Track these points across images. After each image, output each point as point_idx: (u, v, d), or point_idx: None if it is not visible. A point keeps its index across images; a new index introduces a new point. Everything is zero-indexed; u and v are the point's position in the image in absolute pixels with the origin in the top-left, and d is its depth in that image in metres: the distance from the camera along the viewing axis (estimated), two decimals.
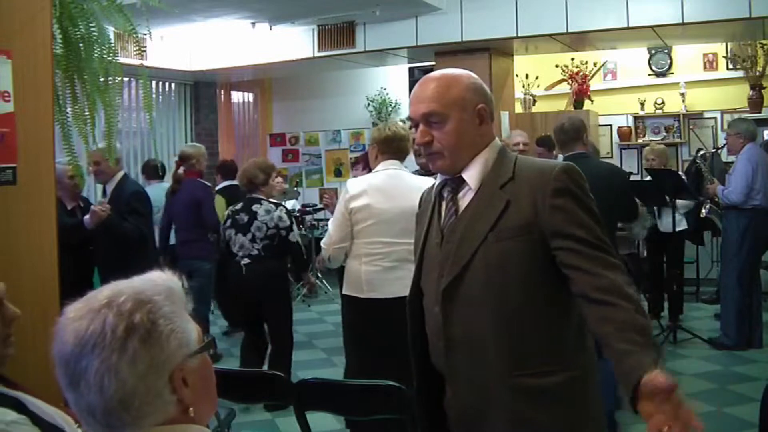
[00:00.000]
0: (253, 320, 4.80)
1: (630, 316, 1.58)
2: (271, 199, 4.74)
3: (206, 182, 6.09)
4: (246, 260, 4.61)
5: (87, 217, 4.36)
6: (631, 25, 6.46)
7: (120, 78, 2.74)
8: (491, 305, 1.70)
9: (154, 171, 6.87)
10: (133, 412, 1.06)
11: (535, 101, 8.68)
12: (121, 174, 4.65)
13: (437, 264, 1.80)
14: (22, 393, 1.50)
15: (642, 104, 8.45)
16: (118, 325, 1.05)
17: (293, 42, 7.89)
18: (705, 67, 8.24)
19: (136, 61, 2.93)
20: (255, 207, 4.64)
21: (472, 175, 1.79)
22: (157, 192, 6.04)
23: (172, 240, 5.86)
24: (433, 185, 1.95)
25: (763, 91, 7.78)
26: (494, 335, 1.69)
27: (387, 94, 9.62)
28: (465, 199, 1.80)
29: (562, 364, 1.71)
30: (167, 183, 6.33)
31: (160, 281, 1.14)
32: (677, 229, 6.00)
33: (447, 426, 1.86)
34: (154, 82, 8.81)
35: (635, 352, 1.52)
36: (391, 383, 2.59)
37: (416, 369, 1.89)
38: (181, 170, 5.79)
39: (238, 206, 4.71)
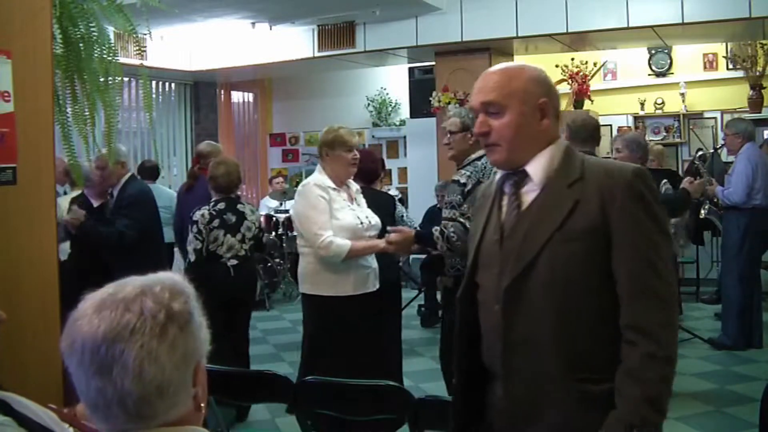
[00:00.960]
0: (233, 324, 4.58)
1: (633, 364, 1.59)
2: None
3: None
4: (233, 261, 4.46)
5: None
6: (631, 25, 6.46)
7: (120, 78, 2.74)
8: (552, 307, 1.65)
9: (149, 172, 6.83)
10: (167, 400, 1.06)
11: None
12: (126, 176, 4.58)
13: (497, 260, 1.74)
14: (9, 394, 1.49)
15: (642, 104, 8.45)
16: (160, 311, 1.05)
17: (293, 42, 7.89)
18: (705, 67, 8.24)
19: (136, 61, 2.94)
20: (240, 207, 4.55)
21: (536, 170, 1.73)
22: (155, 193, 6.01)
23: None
24: (492, 180, 1.90)
25: (763, 91, 7.78)
26: (553, 337, 1.65)
27: (387, 94, 9.62)
28: (529, 195, 1.74)
29: (613, 372, 1.65)
30: (160, 184, 6.30)
31: (177, 278, 1.15)
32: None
33: (485, 424, 1.82)
34: (154, 82, 8.81)
35: (620, 407, 1.58)
36: (391, 383, 2.59)
37: (460, 365, 1.84)
38: (196, 168, 5.72)
39: (220, 206, 4.48)
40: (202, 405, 1.12)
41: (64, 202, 4.74)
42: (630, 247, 1.62)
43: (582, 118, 4.32)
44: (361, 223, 3.64)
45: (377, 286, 3.70)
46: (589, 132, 4.18)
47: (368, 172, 4.41)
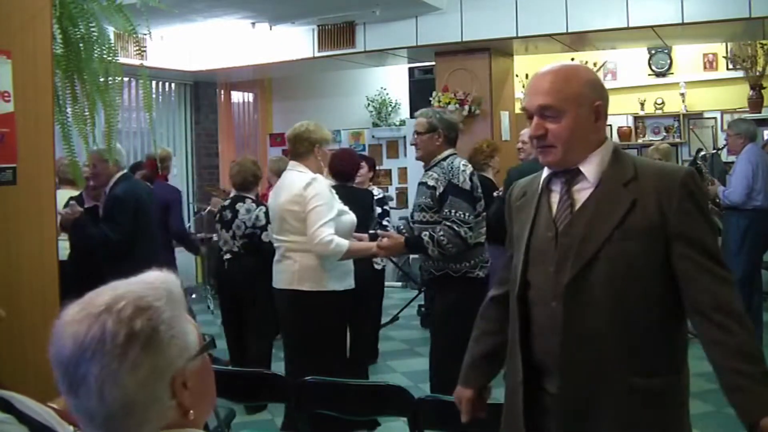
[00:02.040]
0: (234, 318, 4.84)
1: (741, 343, 1.62)
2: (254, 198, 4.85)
3: (176, 186, 6.03)
4: (228, 255, 4.77)
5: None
6: (631, 25, 6.46)
7: (120, 78, 2.74)
8: (611, 303, 1.69)
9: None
10: (135, 418, 1.05)
11: None
12: (117, 175, 4.36)
13: (552, 258, 1.76)
14: (10, 392, 1.49)
15: (642, 104, 8.45)
16: (119, 332, 1.03)
17: (293, 42, 7.89)
18: (705, 67, 8.24)
19: (136, 61, 2.94)
20: (238, 205, 4.75)
21: (590, 169, 1.76)
22: None
23: None
24: (537, 177, 1.90)
25: (763, 91, 7.78)
26: (613, 331, 1.69)
27: (387, 94, 9.61)
28: (583, 193, 1.77)
29: (669, 368, 1.74)
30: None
31: (158, 284, 1.12)
32: None
33: (538, 420, 1.82)
34: (154, 82, 8.81)
35: (747, 388, 1.60)
36: (392, 383, 2.60)
37: (517, 364, 1.83)
38: (149, 171, 5.64)
39: (227, 203, 4.88)
40: (191, 411, 1.10)
41: (60, 200, 4.72)
42: (692, 243, 1.68)
43: None
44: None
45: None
46: None
47: (345, 171, 4.74)
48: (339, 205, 3.62)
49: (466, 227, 3.44)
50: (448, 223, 3.43)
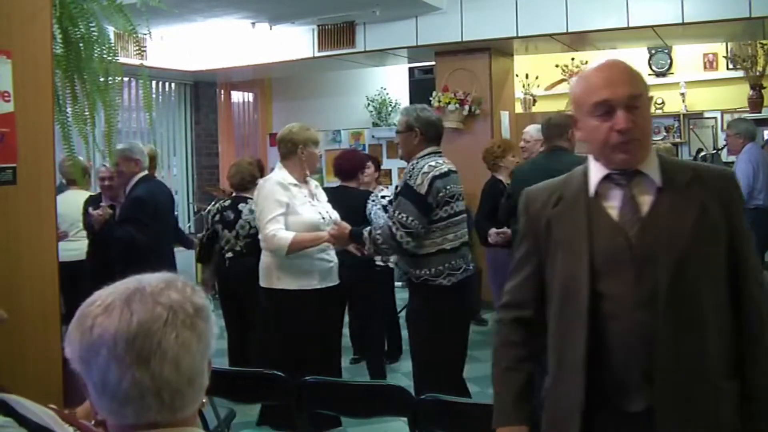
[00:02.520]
0: (235, 317, 4.92)
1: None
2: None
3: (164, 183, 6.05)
4: (230, 254, 4.84)
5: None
6: (631, 25, 6.46)
7: (120, 78, 2.75)
8: (699, 306, 1.65)
9: None
10: (195, 390, 1.09)
11: (535, 101, 8.68)
12: (139, 176, 4.41)
13: (628, 266, 1.66)
14: (7, 395, 1.49)
15: None
16: (186, 303, 1.09)
17: (293, 42, 7.89)
18: (705, 67, 8.24)
19: (136, 61, 2.94)
20: (241, 206, 4.83)
21: (651, 170, 1.69)
22: None
23: None
24: (569, 180, 1.81)
25: (763, 91, 7.77)
26: (705, 337, 1.65)
27: (387, 94, 9.61)
28: (646, 196, 1.69)
29: (737, 369, 1.70)
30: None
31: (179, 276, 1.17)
32: None
33: None
34: (154, 82, 8.81)
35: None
36: (392, 384, 2.59)
37: (582, 383, 1.67)
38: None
39: (227, 203, 4.93)
40: (204, 401, 1.14)
41: (79, 199, 4.76)
42: (746, 246, 1.71)
43: (548, 117, 4.37)
44: (323, 218, 3.75)
45: (338, 281, 3.83)
46: (553, 127, 4.23)
47: (347, 170, 4.88)
48: (299, 203, 3.68)
49: (403, 231, 3.26)
50: (389, 223, 3.33)
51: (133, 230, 4.25)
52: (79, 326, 1.07)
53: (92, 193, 4.85)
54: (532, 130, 5.25)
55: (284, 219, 3.62)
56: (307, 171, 3.84)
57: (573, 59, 8.38)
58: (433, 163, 3.37)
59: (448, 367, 3.37)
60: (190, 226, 9.11)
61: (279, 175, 3.74)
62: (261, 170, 5.95)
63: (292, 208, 3.64)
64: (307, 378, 2.64)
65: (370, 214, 4.71)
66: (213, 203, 5.14)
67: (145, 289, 1.09)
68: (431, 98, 7.55)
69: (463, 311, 3.51)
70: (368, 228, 3.47)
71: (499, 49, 7.45)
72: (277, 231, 3.57)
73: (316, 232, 3.65)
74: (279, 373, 2.67)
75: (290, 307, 3.66)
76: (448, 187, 3.35)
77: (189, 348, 1.06)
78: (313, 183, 3.95)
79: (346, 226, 3.56)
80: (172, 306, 1.07)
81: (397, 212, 3.29)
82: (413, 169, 3.39)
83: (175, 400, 1.07)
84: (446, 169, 3.40)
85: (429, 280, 3.35)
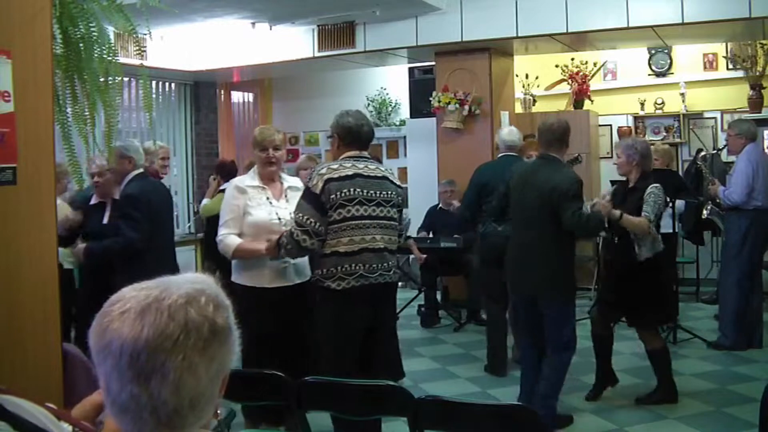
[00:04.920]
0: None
1: None
2: None
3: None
4: None
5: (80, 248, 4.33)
6: (631, 25, 6.46)
7: (120, 78, 2.74)
8: None
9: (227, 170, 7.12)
10: (197, 412, 1.06)
11: (535, 101, 8.68)
12: (132, 174, 4.39)
13: None
14: (4, 396, 1.49)
15: (642, 104, 8.45)
16: (203, 324, 1.05)
17: (293, 42, 7.89)
18: (705, 67, 8.24)
19: (136, 61, 2.94)
20: None
21: None
22: None
23: None
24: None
25: (763, 91, 7.78)
26: None
27: (387, 94, 9.61)
28: None
29: None
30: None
31: (212, 283, 1.13)
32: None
33: None
34: (154, 82, 8.81)
35: None
36: (391, 383, 2.59)
37: None
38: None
39: None
40: (218, 411, 1.13)
41: (63, 205, 4.73)
42: None
43: (550, 122, 4.28)
44: (279, 219, 3.75)
45: (296, 281, 3.80)
46: (555, 135, 4.19)
47: None
48: (254, 204, 3.75)
49: (299, 230, 3.34)
50: (293, 224, 3.43)
51: (128, 228, 4.22)
52: (99, 324, 1.06)
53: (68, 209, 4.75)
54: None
55: (240, 221, 3.74)
56: (274, 171, 3.86)
57: (573, 59, 8.39)
58: (335, 166, 3.43)
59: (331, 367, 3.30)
60: (190, 226, 9.11)
61: (240, 179, 3.94)
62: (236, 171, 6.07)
63: (246, 209, 3.75)
64: (307, 378, 2.64)
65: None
66: None
67: (165, 300, 1.05)
68: (431, 98, 7.56)
69: (346, 319, 3.41)
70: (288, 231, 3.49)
71: (499, 49, 7.45)
72: (225, 237, 3.73)
73: (255, 246, 3.68)
74: (279, 373, 2.67)
75: (246, 304, 3.64)
76: (345, 191, 3.37)
77: (195, 372, 1.03)
78: (287, 183, 3.94)
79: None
80: (187, 325, 1.03)
81: (297, 213, 3.41)
82: (313, 170, 3.50)
83: (173, 420, 1.05)
84: (350, 173, 3.42)
85: (320, 281, 3.43)
